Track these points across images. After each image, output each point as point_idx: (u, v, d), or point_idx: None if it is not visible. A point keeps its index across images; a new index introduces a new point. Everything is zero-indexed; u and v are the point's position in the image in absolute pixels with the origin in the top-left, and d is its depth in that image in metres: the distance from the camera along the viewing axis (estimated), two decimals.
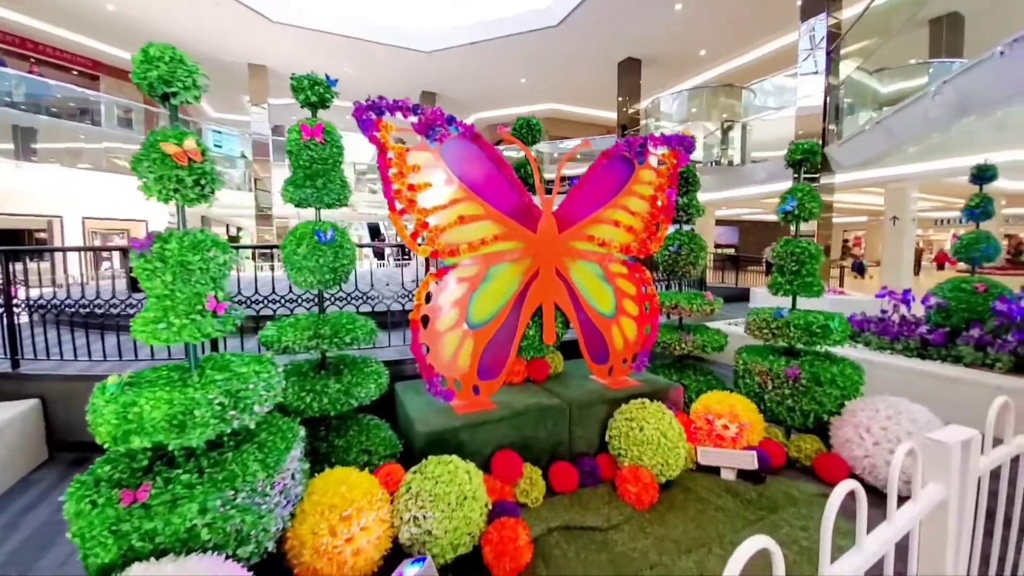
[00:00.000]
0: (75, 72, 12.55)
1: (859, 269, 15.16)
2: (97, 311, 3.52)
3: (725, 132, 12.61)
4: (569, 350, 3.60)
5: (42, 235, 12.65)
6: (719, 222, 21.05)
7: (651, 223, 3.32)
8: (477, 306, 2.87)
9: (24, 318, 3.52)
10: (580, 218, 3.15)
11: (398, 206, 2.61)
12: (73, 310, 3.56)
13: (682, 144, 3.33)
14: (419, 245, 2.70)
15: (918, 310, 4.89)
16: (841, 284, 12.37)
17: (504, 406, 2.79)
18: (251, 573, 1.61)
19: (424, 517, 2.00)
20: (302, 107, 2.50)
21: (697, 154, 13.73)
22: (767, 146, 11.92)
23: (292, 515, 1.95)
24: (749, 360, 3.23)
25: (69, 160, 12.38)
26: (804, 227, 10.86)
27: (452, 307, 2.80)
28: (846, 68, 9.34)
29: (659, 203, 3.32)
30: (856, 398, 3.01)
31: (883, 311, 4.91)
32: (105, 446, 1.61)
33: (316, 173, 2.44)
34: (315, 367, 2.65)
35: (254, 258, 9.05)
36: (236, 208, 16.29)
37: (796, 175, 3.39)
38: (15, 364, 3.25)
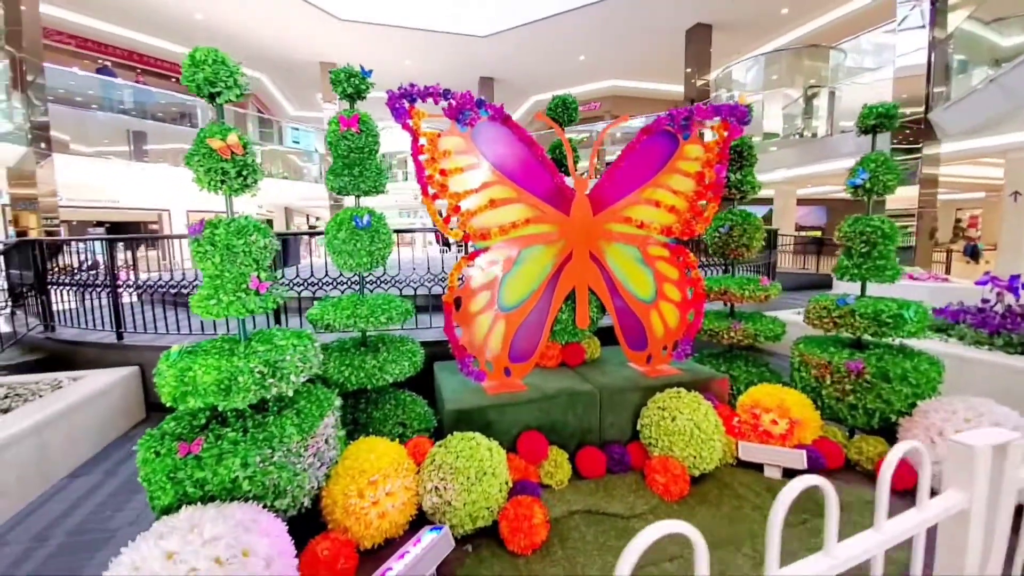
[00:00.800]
0: (174, 79, 14.08)
1: (972, 253, 13.12)
2: (184, 291, 4.02)
3: (809, 100, 11.38)
4: (607, 336, 3.53)
5: (154, 226, 14.51)
6: (801, 201, 19.19)
7: (697, 202, 3.12)
8: (509, 289, 2.90)
9: (127, 298, 4.12)
10: (616, 199, 3.04)
11: (431, 191, 2.69)
12: (164, 291, 4.08)
13: (734, 114, 3.07)
14: (451, 229, 2.77)
15: None
16: (948, 270, 10.82)
17: (534, 389, 2.81)
18: (284, 522, 1.79)
19: (444, 488, 2.10)
20: (340, 99, 2.63)
21: (776, 125, 12.62)
22: (856, 113, 10.60)
23: (327, 476, 2.14)
24: (806, 351, 2.96)
25: (174, 159, 14.06)
26: (893, 202, 9.68)
27: (483, 290, 2.85)
28: (955, 20, 8.00)
29: (707, 180, 3.11)
30: (932, 397, 2.66)
31: (985, 300, 4.25)
32: (168, 405, 1.86)
33: (353, 162, 2.58)
34: (357, 344, 2.83)
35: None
36: (314, 199, 17.58)
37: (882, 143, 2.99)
38: (119, 336, 3.82)
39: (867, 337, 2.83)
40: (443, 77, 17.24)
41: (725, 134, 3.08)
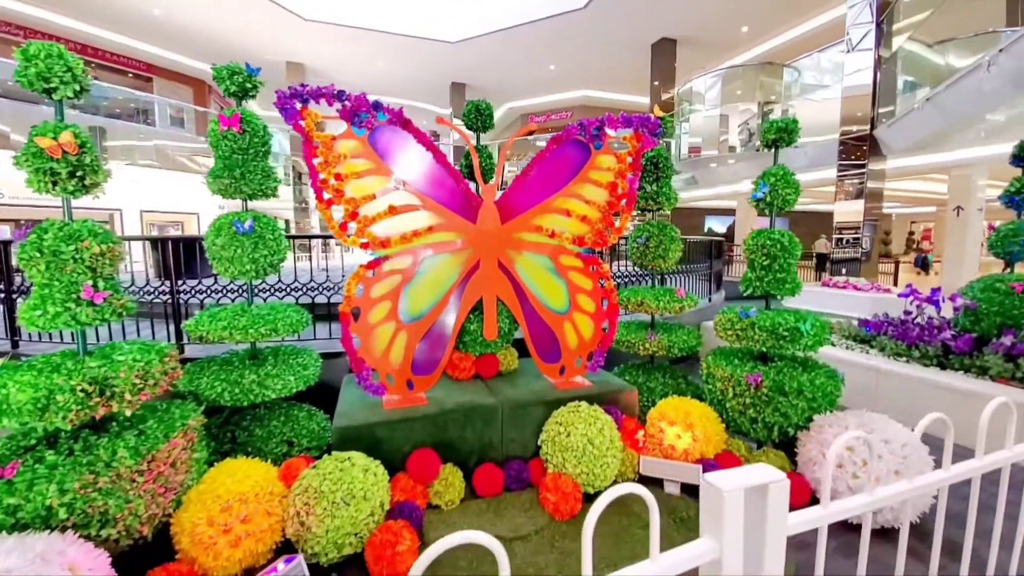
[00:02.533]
0: (131, 75, 13.61)
1: (923, 264, 13.63)
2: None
3: (765, 115, 11.68)
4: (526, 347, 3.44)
5: (105, 227, 13.90)
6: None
7: (610, 212, 3.08)
8: (411, 299, 2.79)
9: None
10: (526, 208, 2.98)
11: (325, 196, 2.56)
12: None
13: (645, 125, 3.05)
14: (348, 236, 2.65)
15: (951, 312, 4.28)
16: (895, 281, 11.18)
17: (433, 403, 2.71)
18: (108, 554, 1.63)
19: (307, 513, 1.97)
20: (225, 97, 2.50)
21: (734, 139, 12.91)
22: (810, 130, 10.89)
23: (179, 503, 1.98)
24: (713, 364, 2.94)
25: (127, 157, 13.53)
26: (846, 212, 9.88)
27: (384, 299, 2.73)
28: (901, 41, 8.32)
29: (619, 191, 3.07)
30: (830, 411, 2.65)
31: (906, 312, 4.34)
32: None
33: (235, 163, 2.44)
34: (245, 358, 2.68)
35: (292, 248, 9.43)
36: (280, 203, 17.16)
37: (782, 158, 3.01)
38: (14, 344, 3.56)
39: (765, 349, 2.82)
40: (415, 81, 17.14)
41: (638, 145, 3.06)
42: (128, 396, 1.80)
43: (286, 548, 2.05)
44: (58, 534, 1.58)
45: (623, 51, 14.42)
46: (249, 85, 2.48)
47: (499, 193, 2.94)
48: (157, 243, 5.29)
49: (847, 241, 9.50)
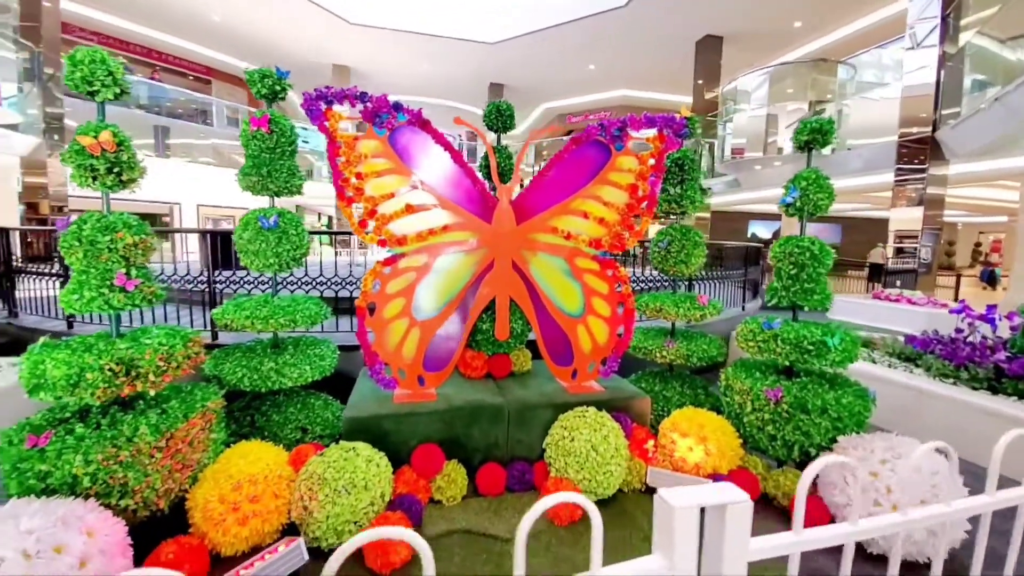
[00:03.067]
0: (192, 78, 14.55)
1: (989, 279, 12.48)
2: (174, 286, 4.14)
3: (816, 115, 11.05)
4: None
5: (166, 219, 14.95)
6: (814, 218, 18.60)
7: (629, 215, 3.02)
8: (424, 296, 2.84)
9: None
10: (542, 209, 2.96)
11: (347, 194, 2.66)
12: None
13: (669, 126, 2.97)
14: (367, 234, 2.73)
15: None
16: (956, 296, 10.32)
17: (441, 400, 2.74)
18: (125, 523, 1.76)
19: (310, 499, 2.04)
20: (257, 99, 2.63)
21: (782, 141, 12.30)
22: (867, 131, 10.23)
23: (195, 479, 2.11)
24: (732, 376, 2.82)
25: (187, 154, 14.51)
26: (903, 220, 9.24)
27: (399, 296, 2.80)
28: (969, 37, 7.66)
29: (640, 193, 3.00)
30: (858, 432, 2.49)
31: (958, 330, 4.00)
32: (27, 397, 1.85)
33: (263, 162, 2.57)
34: (268, 346, 2.81)
35: (332, 243, 9.85)
36: (325, 198, 17.88)
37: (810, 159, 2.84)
38: (69, 325, 3.90)
39: (789, 363, 2.67)
40: (454, 82, 17.38)
41: (661, 146, 2.98)
42: (152, 377, 1.94)
43: (291, 531, 2.14)
44: (80, 501, 1.72)
45: (665, 49, 14.05)
46: (279, 88, 2.60)
47: (516, 193, 2.94)
48: (206, 235, 5.65)
49: (903, 251, 8.85)
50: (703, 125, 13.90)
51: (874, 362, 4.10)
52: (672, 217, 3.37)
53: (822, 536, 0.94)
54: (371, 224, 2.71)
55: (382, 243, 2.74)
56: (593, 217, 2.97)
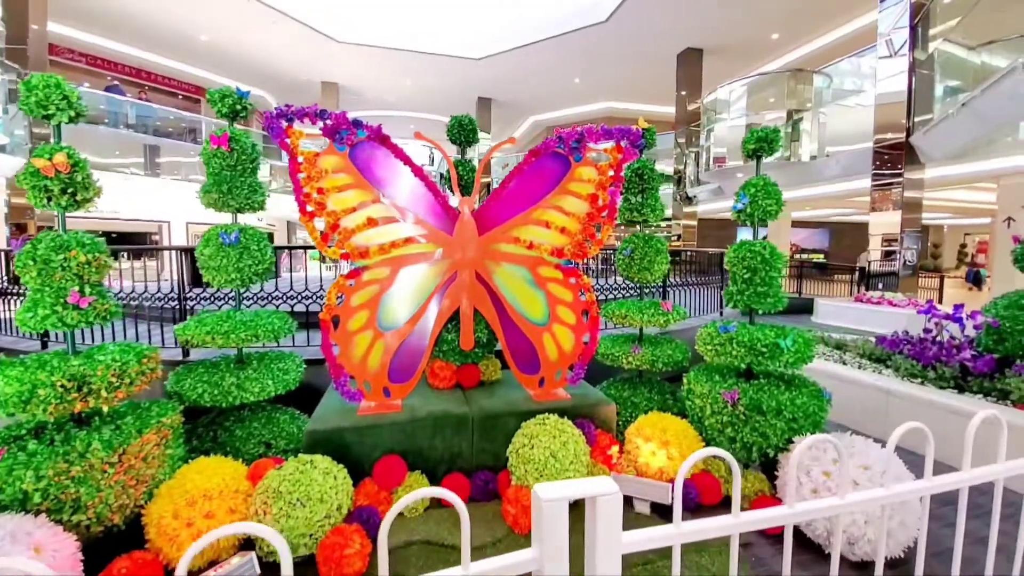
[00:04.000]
0: (181, 96, 14.70)
1: (975, 279, 12.61)
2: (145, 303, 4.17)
3: (795, 124, 11.25)
4: None
5: (156, 237, 14.97)
6: (798, 224, 18.87)
7: (591, 224, 3.08)
8: (388, 308, 2.87)
9: None
10: (504, 219, 3.02)
11: (308, 209, 2.70)
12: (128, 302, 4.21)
13: (627, 137, 3.04)
14: (329, 247, 2.77)
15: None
16: (940, 297, 10.42)
17: (406, 410, 2.76)
18: (77, 538, 1.77)
19: (264, 513, 2.05)
20: (218, 118, 2.69)
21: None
22: (843, 138, 10.42)
23: (151, 495, 2.11)
24: (693, 380, 2.86)
25: (177, 173, 14.59)
26: (882, 224, 9.33)
27: (362, 308, 2.83)
28: (938, 45, 7.87)
29: (600, 202, 3.07)
30: (814, 433, 2.52)
31: (926, 330, 4.06)
32: None
33: (223, 179, 2.62)
34: (232, 361, 2.83)
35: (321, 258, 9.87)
36: None
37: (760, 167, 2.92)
38: (43, 345, 3.90)
39: (745, 365, 2.71)
40: (443, 97, 17.61)
41: (619, 156, 3.06)
42: (104, 393, 1.96)
43: (249, 545, 2.15)
44: (30, 516, 1.73)
45: (648, 62, 14.35)
46: (239, 107, 2.66)
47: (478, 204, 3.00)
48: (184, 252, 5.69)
49: (889, 254, 8.97)
50: (687, 135, 14.15)
51: (844, 363, 4.15)
52: (636, 225, 3.43)
53: (701, 527, 0.97)
54: (334, 238, 2.76)
55: (345, 256, 2.78)
56: (555, 227, 3.03)
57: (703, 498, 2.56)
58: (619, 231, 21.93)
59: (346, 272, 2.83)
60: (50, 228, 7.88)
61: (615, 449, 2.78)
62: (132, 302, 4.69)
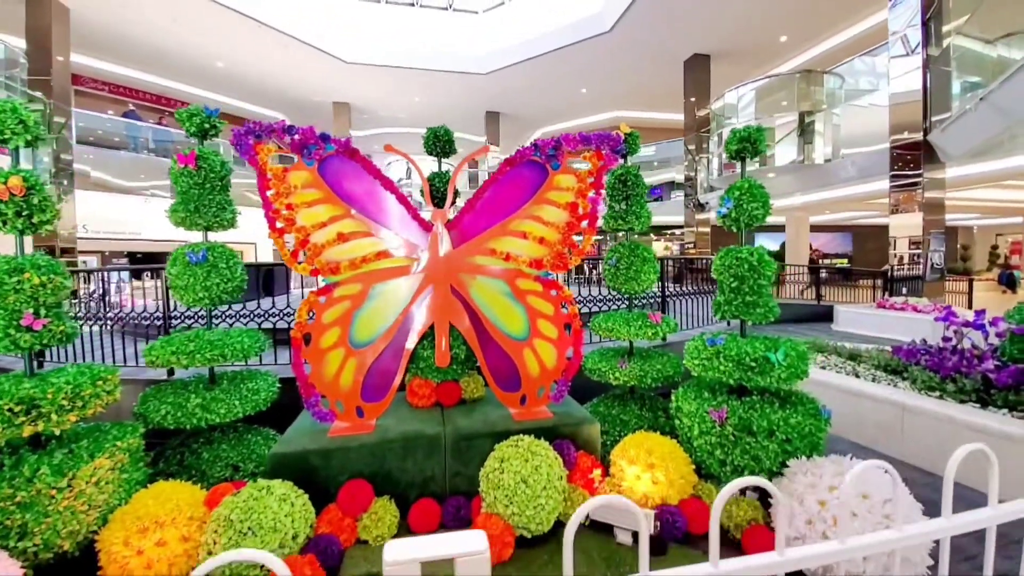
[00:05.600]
0: None
1: (1008, 282, 11.89)
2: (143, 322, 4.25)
3: (805, 126, 10.93)
4: None
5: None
6: (818, 228, 18.28)
7: (571, 233, 2.96)
8: (361, 325, 2.80)
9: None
10: (479, 231, 2.93)
11: (278, 225, 2.67)
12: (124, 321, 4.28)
13: (606, 143, 2.93)
14: (299, 263, 2.72)
15: None
16: (970, 302, 9.86)
17: (377, 431, 2.66)
18: (14, 561, 1.72)
19: (214, 543, 1.97)
20: (188, 136, 2.69)
21: (775, 152, 12.18)
22: (858, 139, 10.05)
23: (105, 520, 2.05)
24: (682, 397, 2.68)
25: None
26: (902, 226, 8.99)
27: (334, 325, 2.76)
28: (953, 40, 7.54)
29: (580, 211, 2.95)
30: (812, 455, 2.31)
31: (945, 339, 3.77)
32: None
33: (191, 197, 2.61)
34: (205, 381, 2.79)
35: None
36: None
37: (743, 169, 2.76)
38: (40, 365, 3.97)
39: (744, 382, 2.52)
40: (451, 112, 17.82)
41: (599, 163, 2.94)
42: (55, 417, 1.91)
43: None
44: None
45: (654, 70, 14.25)
46: (208, 126, 2.66)
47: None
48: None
49: (905, 258, 8.56)
50: (697, 142, 13.92)
51: (857, 376, 3.88)
52: (620, 234, 3.30)
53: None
54: (303, 254, 2.71)
55: (315, 272, 2.73)
56: (532, 237, 2.92)
57: (692, 526, 2.36)
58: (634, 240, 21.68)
59: (316, 289, 2.77)
60: (69, 251, 8.12)
61: (597, 472, 2.61)
62: (132, 321, 4.79)
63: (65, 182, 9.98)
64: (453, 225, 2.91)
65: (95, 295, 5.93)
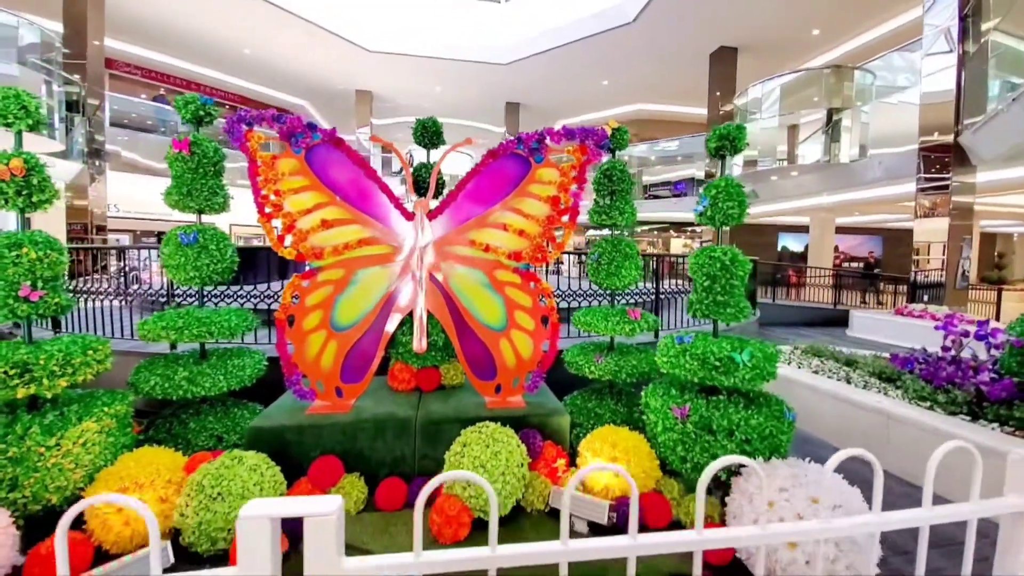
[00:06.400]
0: (228, 107, 15.68)
1: None
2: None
3: (833, 124, 10.53)
4: None
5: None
6: (845, 230, 17.63)
7: (551, 227, 2.99)
8: (342, 309, 2.90)
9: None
10: (460, 222, 2.98)
11: (266, 210, 2.78)
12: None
13: (591, 137, 2.94)
14: (285, 248, 2.84)
15: None
16: (998, 312, 9.40)
17: (353, 412, 2.77)
18: (13, 515, 1.90)
19: (187, 505, 2.11)
20: (184, 123, 2.82)
21: (801, 150, 11.78)
22: (887, 139, 9.63)
23: (92, 479, 2.22)
24: (650, 393, 2.69)
25: (226, 178, 15.58)
26: (927, 231, 8.69)
27: (316, 308, 2.87)
28: (991, 37, 7.13)
29: (562, 205, 2.97)
30: (774, 457, 2.31)
31: (944, 348, 3.65)
32: None
33: (184, 182, 2.74)
34: (196, 356, 2.95)
35: None
36: None
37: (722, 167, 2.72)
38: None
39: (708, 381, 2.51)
40: (471, 102, 17.84)
41: (583, 158, 2.95)
42: (46, 381, 2.08)
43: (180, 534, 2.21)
44: None
45: (678, 63, 13.91)
46: (203, 113, 2.78)
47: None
48: None
49: (921, 263, 8.23)
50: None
51: (849, 381, 3.80)
52: (605, 229, 3.30)
53: (433, 560, 0.88)
54: (289, 239, 2.82)
55: (300, 257, 2.84)
56: (512, 229, 2.96)
57: (648, 519, 2.40)
58: (652, 236, 21.26)
59: (300, 272, 2.88)
60: (101, 228, 8.53)
61: (561, 462, 2.66)
62: (150, 298, 5.04)
63: (98, 162, 10.49)
64: (435, 215, 2.97)
65: (123, 271, 6.26)
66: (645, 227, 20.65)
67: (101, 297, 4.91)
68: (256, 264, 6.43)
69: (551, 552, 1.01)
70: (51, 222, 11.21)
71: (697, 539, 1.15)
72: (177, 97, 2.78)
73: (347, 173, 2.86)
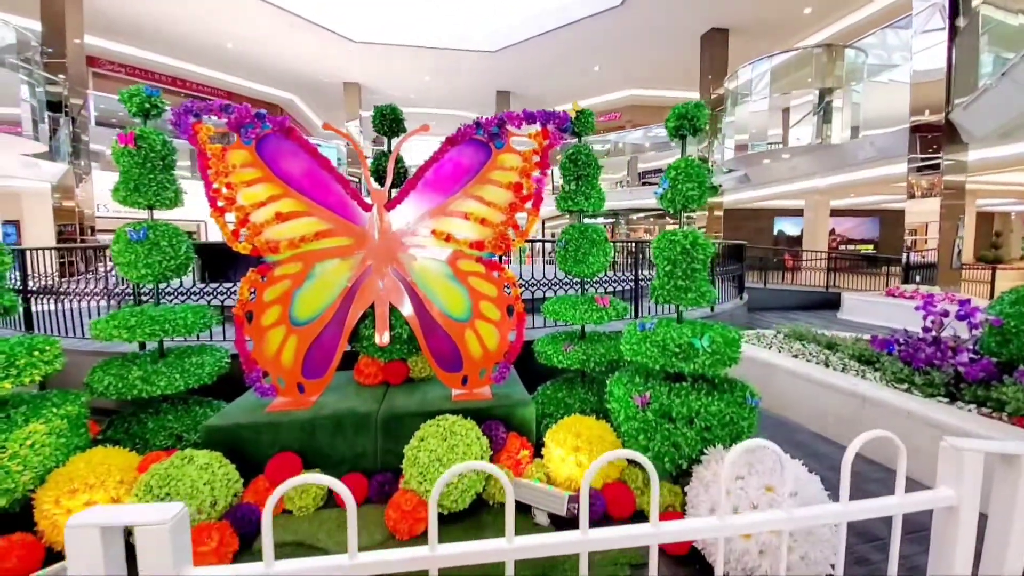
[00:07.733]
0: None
1: None
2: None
3: (825, 105, 10.33)
4: None
5: (195, 235, 15.95)
6: (840, 212, 17.47)
7: (513, 214, 2.91)
8: (301, 304, 2.84)
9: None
10: (420, 211, 2.90)
11: (219, 204, 2.72)
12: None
13: (552, 120, 2.85)
14: (240, 243, 2.77)
15: None
16: (992, 291, 9.30)
17: (312, 408, 2.73)
18: None
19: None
20: (131, 117, 2.74)
21: (792, 131, 11.59)
22: (879, 119, 9.45)
23: (42, 480, 2.19)
24: (615, 381, 2.64)
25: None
26: (919, 212, 8.55)
27: (275, 304, 2.81)
28: (981, 11, 6.95)
29: (524, 191, 2.89)
30: (730, 444, 2.25)
31: (925, 329, 3.58)
32: None
33: (131, 176, 2.67)
34: (155, 355, 2.90)
35: None
36: None
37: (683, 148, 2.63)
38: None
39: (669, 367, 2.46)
40: (461, 91, 17.61)
41: (544, 142, 2.87)
42: None
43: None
44: None
45: (669, 46, 13.70)
46: (148, 105, 2.70)
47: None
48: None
49: (914, 243, 8.13)
50: (712, 121, 13.36)
51: (827, 365, 3.74)
52: (571, 214, 3.22)
53: (331, 564, 0.83)
54: (243, 233, 2.75)
55: (255, 252, 2.78)
56: (474, 218, 2.88)
57: (612, 509, 2.36)
58: (648, 223, 21.10)
59: (256, 267, 2.82)
60: (91, 229, 8.45)
61: (525, 453, 2.62)
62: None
63: (84, 162, 10.39)
64: (392, 205, 2.90)
65: (108, 272, 6.18)
66: (641, 214, 20.49)
67: (88, 298, 4.81)
68: (238, 260, 6.34)
69: (495, 551, 0.96)
70: (39, 223, 11.19)
71: (652, 532, 1.08)
72: (121, 90, 2.69)
73: (300, 164, 2.78)
